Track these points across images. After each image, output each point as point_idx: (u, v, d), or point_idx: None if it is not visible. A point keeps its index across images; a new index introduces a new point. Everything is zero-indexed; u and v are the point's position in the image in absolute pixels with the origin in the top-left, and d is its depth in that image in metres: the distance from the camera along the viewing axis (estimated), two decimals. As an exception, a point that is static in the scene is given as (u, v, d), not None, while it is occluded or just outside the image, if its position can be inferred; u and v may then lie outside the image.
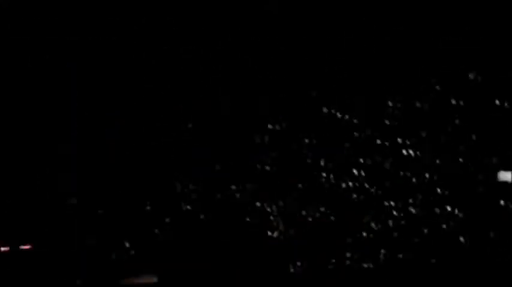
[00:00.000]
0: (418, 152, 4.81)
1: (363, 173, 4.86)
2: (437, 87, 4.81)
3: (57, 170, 5.02)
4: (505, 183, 4.71)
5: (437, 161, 4.79)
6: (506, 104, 4.72)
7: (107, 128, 5.04)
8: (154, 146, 5.03)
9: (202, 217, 4.99)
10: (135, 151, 5.04)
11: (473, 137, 4.76)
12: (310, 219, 4.90)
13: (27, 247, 4.91)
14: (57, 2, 5.03)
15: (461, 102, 4.78)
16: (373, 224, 4.83)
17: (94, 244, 4.95)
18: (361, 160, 4.87)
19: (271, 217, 4.91)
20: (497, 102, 4.73)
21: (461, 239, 4.71)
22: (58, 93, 5.04)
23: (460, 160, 4.76)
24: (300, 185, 4.92)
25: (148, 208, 5.00)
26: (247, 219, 4.96)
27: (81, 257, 4.92)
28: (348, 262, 4.81)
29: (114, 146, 5.03)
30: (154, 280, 4.83)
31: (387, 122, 4.86)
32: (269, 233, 4.90)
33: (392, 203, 4.82)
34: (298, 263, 4.85)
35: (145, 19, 5.04)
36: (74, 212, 4.98)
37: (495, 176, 4.72)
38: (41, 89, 5.05)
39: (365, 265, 4.79)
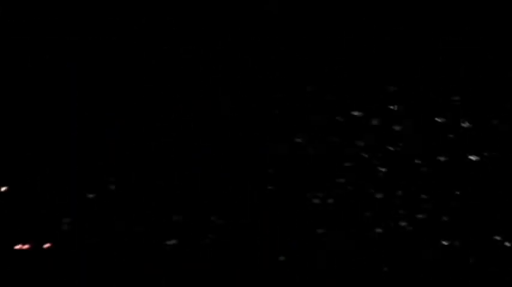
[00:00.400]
0: None
1: None
2: None
3: (57, 170, 5.02)
4: None
5: None
6: None
7: (107, 128, 5.04)
8: (155, 146, 5.04)
9: (203, 217, 4.99)
10: (135, 151, 5.04)
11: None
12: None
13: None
14: (57, 2, 5.03)
15: None
16: None
17: (94, 244, 4.95)
18: None
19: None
20: None
21: None
22: (58, 93, 5.04)
23: None
24: None
25: (148, 208, 5.01)
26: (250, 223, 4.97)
27: (82, 257, 4.92)
28: None
29: (114, 146, 5.03)
30: None
31: None
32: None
33: None
34: None
35: (146, 19, 5.04)
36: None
37: None
38: (41, 89, 5.05)
39: None
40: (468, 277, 4.83)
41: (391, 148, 4.95)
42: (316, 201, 4.96)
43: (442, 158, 4.92)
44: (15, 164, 5.02)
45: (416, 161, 4.93)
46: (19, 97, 5.04)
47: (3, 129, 5.03)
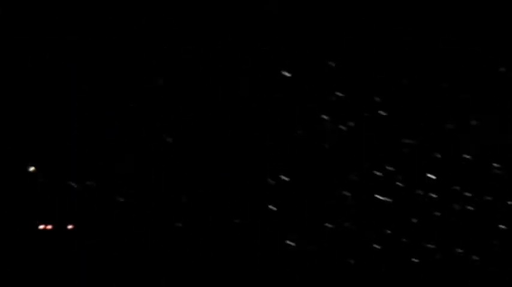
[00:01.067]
0: None
1: None
2: None
3: (57, 170, 5.02)
4: None
5: None
6: None
7: (107, 128, 5.04)
8: (155, 146, 5.04)
9: (203, 217, 4.99)
10: (135, 151, 5.04)
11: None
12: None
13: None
14: (57, 2, 5.03)
15: None
16: None
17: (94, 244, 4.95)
18: None
19: None
20: None
21: None
22: (58, 93, 5.04)
23: None
24: None
25: (148, 207, 5.01)
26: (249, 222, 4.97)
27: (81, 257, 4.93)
28: None
29: (114, 146, 5.03)
30: None
31: None
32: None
33: None
34: None
35: (146, 19, 5.04)
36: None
37: None
38: (41, 89, 5.05)
39: None
40: (468, 277, 4.83)
41: (390, 149, 4.96)
42: (316, 200, 4.96)
43: (443, 157, 4.93)
44: (16, 164, 5.03)
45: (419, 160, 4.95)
46: (19, 97, 5.04)
47: (4, 129, 5.03)
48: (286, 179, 4.96)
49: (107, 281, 4.89)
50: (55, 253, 4.94)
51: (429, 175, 4.89)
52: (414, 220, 4.88)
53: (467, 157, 4.89)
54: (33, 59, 5.03)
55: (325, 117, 4.98)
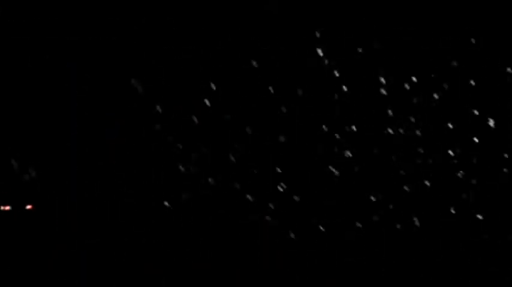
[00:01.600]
0: None
1: None
2: None
3: (57, 170, 5.02)
4: None
5: None
6: None
7: (107, 128, 5.04)
8: (155, 146, 5.04)
9: (203, 216, 4.99)
10: (135, 151, 5.04)
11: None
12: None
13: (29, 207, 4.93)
14: (57, 2, 5.04)
15: None
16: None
17: (94, 244, 4.95)
18: None
19: None
20: None
21: None
22: (58, 93, 5.05)
23: None
24: None
25: (147, 207, 5.01)
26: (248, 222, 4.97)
27: (81, 257, 4.93)
28: None
29: (114, 146, 5.03)
30: None
31: None
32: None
33: None
34: None
35: (146, 19, 5.05)
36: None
37: None
38: (41, 89, 5.05)
39: None
40: (468, 276, 4.83)
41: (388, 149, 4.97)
42: (317, 200, 4.97)
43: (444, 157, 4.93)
44: (15, 164, 5.03)
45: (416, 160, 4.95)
46: (19, 97, 5.05)
47: (3, 129, 5.03)
48: (287, 178, 4.97)
49: (107, 281, 4.89)
50: (55, 253, 4.94)
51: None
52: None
53: None
54: (33, 59, 5.04)
55: (325, 117, 4.99)
